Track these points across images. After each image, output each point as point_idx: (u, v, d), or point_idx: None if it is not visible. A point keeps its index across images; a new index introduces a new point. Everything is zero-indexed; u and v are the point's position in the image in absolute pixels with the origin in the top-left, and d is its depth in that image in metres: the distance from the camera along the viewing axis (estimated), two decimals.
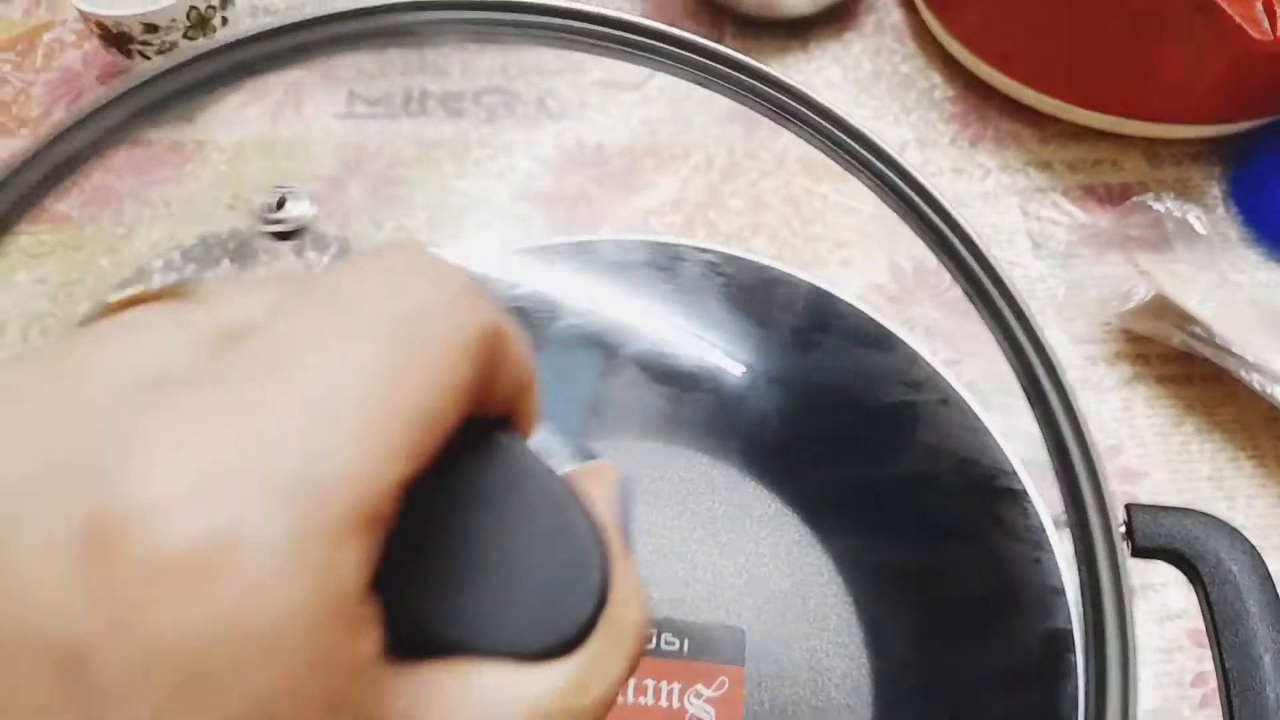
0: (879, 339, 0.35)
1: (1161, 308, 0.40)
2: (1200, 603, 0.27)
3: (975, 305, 0.28)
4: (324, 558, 0.09)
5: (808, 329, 0.36)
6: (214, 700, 0.09)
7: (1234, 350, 0.37)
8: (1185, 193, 0.45)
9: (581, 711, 0.12)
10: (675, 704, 0.31)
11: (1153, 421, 0.40)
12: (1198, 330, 0.38)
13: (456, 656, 0.12)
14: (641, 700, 0.30)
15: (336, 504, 0.09)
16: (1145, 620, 0.35)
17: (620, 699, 0.32)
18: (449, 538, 0.12)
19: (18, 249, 0.46)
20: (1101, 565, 0.24)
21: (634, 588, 0.13)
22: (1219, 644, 0.26)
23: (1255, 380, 0.37)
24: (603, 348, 0.36)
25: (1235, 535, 0.28)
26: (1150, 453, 0.39)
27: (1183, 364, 0.40)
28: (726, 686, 0.31)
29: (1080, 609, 0.30)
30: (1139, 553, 0.28)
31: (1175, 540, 0.28)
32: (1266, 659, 0.25)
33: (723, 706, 0.31)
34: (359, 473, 0.09)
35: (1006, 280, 0.27)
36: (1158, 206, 0.42)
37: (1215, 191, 0.45)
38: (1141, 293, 0.40)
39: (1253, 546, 0.28)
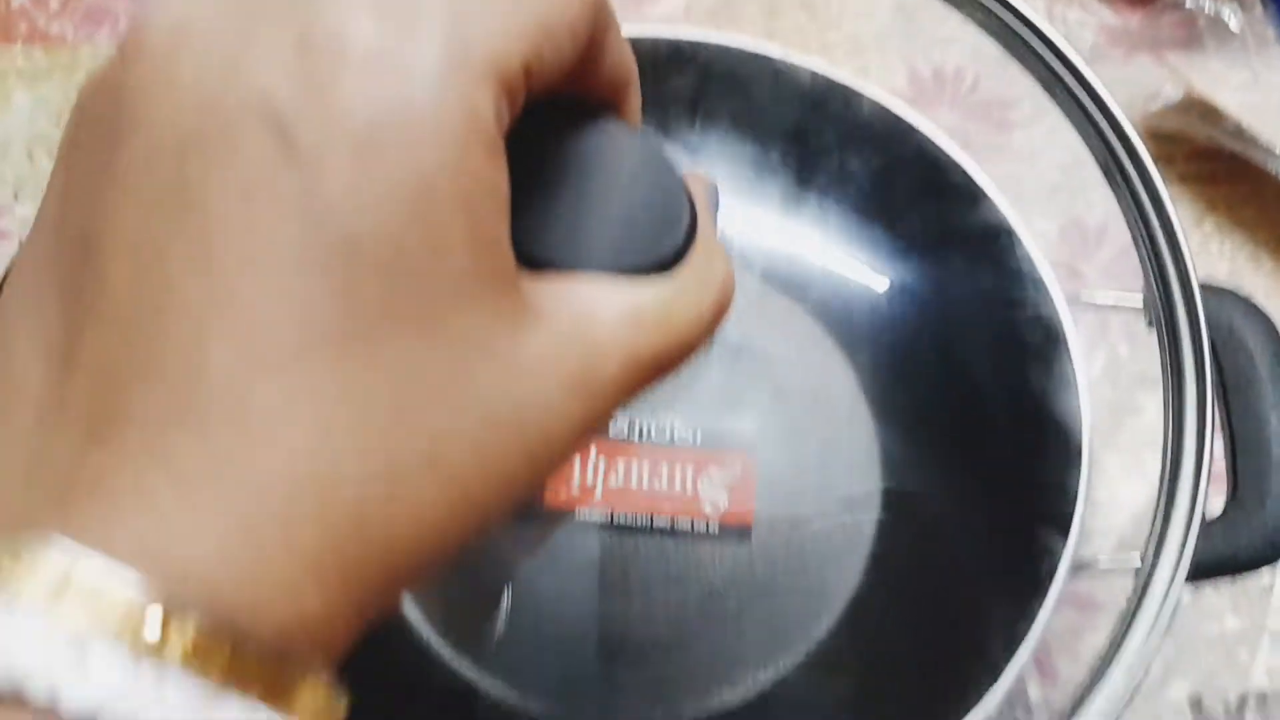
0: (897, 133, 0.34)
1: (1189, 105, 0.38)
2: (1211, 372, 0.27)
3: (1053, 97, 0.27)
4: (465, 88, 0.12)
5: (822, 126, 0.35)
6: (385, 165, 0.11)
7: (1262, 143, 0.36)
8: None
9: (670, 327, 0.14)
10: (689, 488, 0.31)
11: None
12: (1226, 124, 0.37)
13: (567, 271, 0.14)
14: (656, 485, 0.31)
15: (477, 56, 0.12)
16: (1157, 411, 0.36)
17: (634, 484, 0.32)
18: (562, 178, 0.14)
19: (14, 71, 0.45)
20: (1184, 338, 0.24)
21: (720, 252, 0.16)
22: (1227, 408, 0.26)
23: None
24: None
25: (1250, 306, 0.27)
26: None
27: (1208, 162, 0.39)
28: (739, 471, 0.32)
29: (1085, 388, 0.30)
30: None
31: None
32: (1274, 418, 0.26)
33: (736, 491, 0.31)
34: (494, 41, 0.12)
35: (1076, 60, 0.27)
36: (1190, 4, 0.40)
37: None
38: (1169, 92, 0.39)
39: (1266, 316, 0.27)
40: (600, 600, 0.31)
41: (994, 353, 0.32)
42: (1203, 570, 0.26)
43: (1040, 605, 0.26)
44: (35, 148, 0.43)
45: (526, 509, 0.30)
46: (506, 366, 0.12)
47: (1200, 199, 0.39)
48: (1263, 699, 0.33)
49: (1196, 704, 0.33)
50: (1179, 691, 0.33)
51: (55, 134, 0.44)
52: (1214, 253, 0.38)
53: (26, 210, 0.42)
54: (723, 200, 0.36)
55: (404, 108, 0.11)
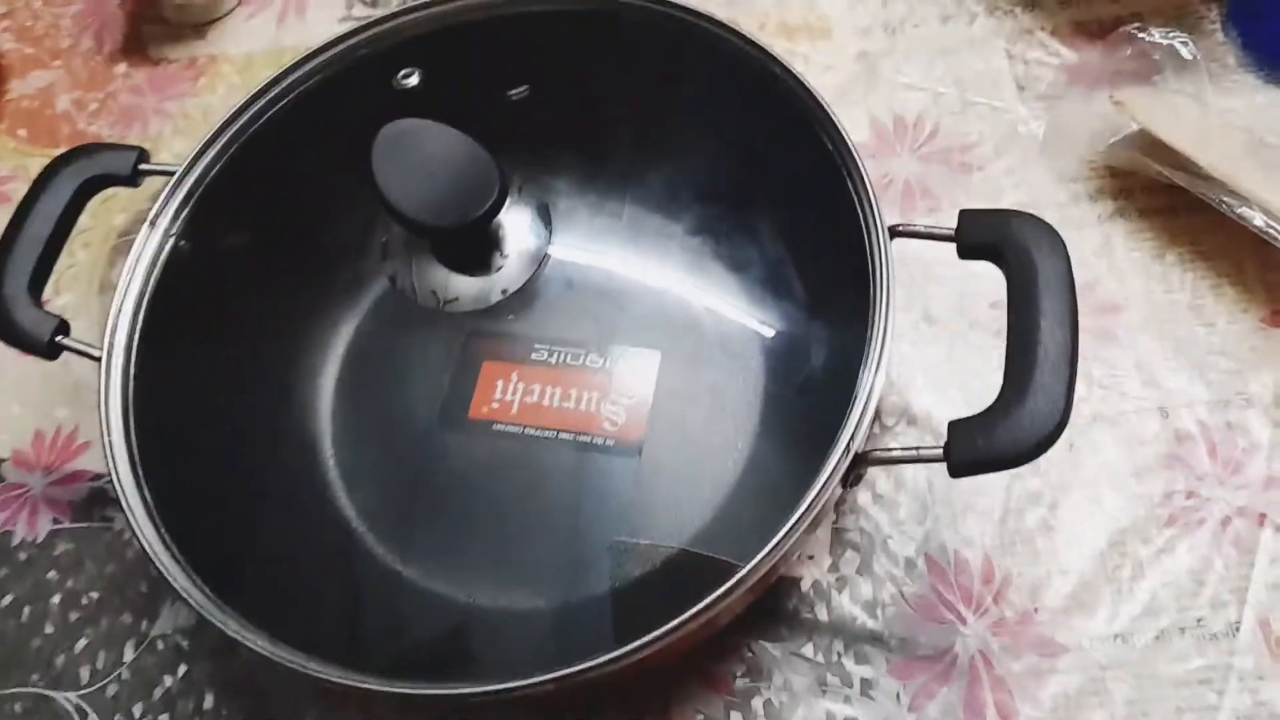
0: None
1: (1145, 140, 0.39)
2: (1007, 284, 0.29)
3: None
4: None
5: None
6: None
7: (1209, 174, 0.36)
8: (1182, 21, 0.43)
9: None
10: (593, 408, 0.34)
11: (1134, 255, 0.39)
12: (1176, 158, 0.37)
13: None
14: (565, 405, 0.34)
15: None
16: (1116, 447, 0.36)
17: (548, 403, 0.34)
18: None
19: None
20: None
21: None
22: (1011, 310, 0.29)
23: (1235, 208, 0.36)
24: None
25: (1045, 226, 0.30)
26: (1129, 286, 0.38)
27: (1169, 196, 0.39)
28: (637, 396, 0.34)
29: None
30: (965, 253, 0.31)
31: (993, 235, 0.30)
32: (1044, 321, 0.28)
33: (633, 412, 0.34)
34: None
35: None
36: (1144, 36, 0.40)
37: (1214, 16, 0.43)
38: (1125, 126, 0.39)
39: (1058, 235, 0.29)
40: (502, 498, 0.34)
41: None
42: (966, 458, 0.27)
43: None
44: (74, 241, 0.47)
45: (453, 420, 0.34)
46: None
47: (1162, 233, 0.39)
48: None
49: None
50: None
51: (93, 226, 0.48)
52: (1175, 284, 0.38)
53: (64, 300, 0.46)
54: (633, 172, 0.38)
55: None
